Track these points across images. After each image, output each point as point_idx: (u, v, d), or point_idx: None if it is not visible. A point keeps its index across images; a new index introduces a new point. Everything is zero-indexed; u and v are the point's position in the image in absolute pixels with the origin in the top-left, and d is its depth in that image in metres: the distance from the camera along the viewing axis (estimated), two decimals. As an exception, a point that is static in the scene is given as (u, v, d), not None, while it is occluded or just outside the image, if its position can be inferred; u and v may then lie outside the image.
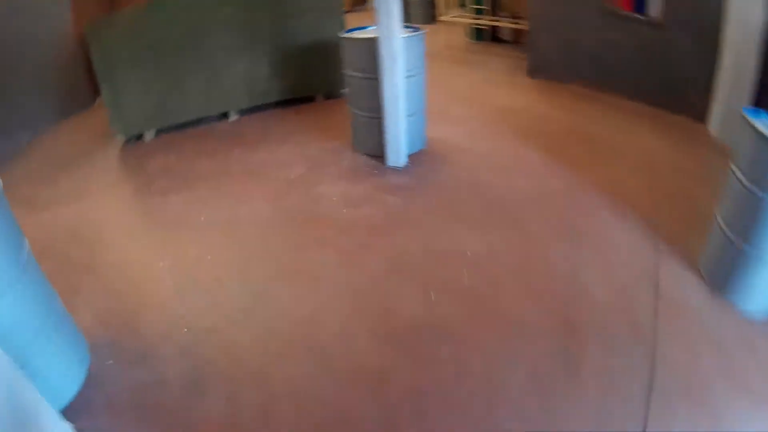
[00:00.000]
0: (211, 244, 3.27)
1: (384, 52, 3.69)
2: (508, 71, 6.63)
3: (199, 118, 5.27)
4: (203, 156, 4.56)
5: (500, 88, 6.00)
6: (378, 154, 4.15)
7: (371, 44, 3.78)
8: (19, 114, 5.27)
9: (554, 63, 5.85)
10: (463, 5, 8.49)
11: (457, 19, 8.48)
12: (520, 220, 3.26)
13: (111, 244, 3.38)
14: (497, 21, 7.79)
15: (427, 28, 4.27)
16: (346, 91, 4.30)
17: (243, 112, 5.48)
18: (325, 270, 2.93)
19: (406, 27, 3.96)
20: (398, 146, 4.00)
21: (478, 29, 8.23)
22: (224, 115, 5.41)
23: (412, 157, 4.14)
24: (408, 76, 3.86)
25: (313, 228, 3.35)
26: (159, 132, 5.13)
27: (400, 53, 3.70)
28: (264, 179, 4.04)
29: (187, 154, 4.64)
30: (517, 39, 7.93)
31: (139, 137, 5.06)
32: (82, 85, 5.84)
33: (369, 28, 4.24)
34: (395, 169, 4.03)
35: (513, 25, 7.58)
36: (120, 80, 4.73)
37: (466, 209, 3.42)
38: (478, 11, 8.02)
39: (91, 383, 2.26)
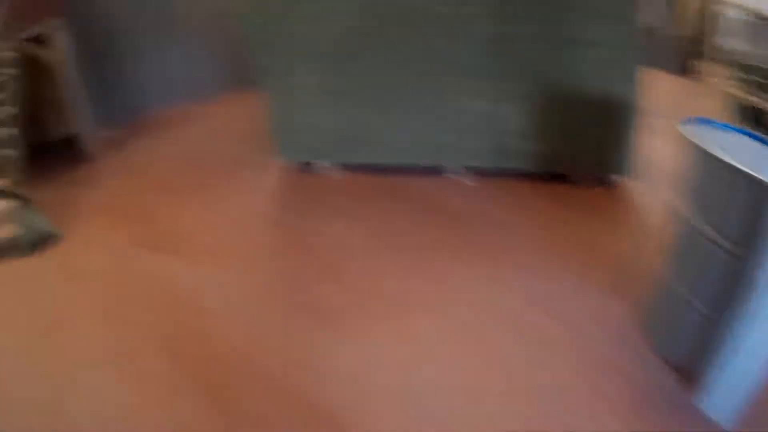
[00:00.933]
0: None
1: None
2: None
3: (400, 163, 3.65)
4: (398, 247, 2.97)
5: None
6: (688, 367, 2.30)
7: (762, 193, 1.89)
8: (184, 71, 4.32)
9: None
10: (731, 64, 5.56)
11: (731, 90, 5.68)
12: None
13: (211, 391, 2.06)
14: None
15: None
16: (664, 239, 2.44)
17: (465, 172, 3.76)
18: None
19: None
20: (739, 386, 2.13)
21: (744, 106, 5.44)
22: (436, 169, 3.73)
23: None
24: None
25: None
26: (338, 165, 3.63)
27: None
28: (498, 363, 2.34)
29: (374, 225, 3.11)
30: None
31: (309, 163, 3.61)
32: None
33: (737, 134, 2.31)
34: (714, 426, 2.16)
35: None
36: (288, 80, 3.35)
37: None
38: (758, 84, 5.17)
39: None
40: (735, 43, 5.26)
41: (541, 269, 2.87)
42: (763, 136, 2.25)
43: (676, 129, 2.21)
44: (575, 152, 3.60)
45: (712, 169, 2.08)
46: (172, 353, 2.25)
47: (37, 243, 3.08)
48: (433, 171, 3.67)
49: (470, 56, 3.36)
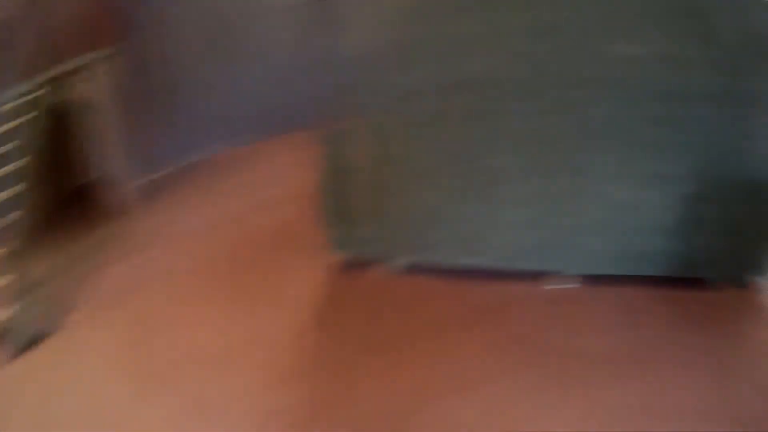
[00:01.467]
0: None
1: None
2: None
3: (493, 266, 2.60)
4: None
5: None
6: None
7: None
8: (237, 108, 3.69)
9: None
10: None
11: None
12: None
13: None
14: None
15: None
16: None
17: (573, 279, 2.63)
18: None
19: None
20: None
21: None
22: (537, 273, 2.63)
23: None
24: None
25: None
26: (410, 266, 2.63)
27: None
28: None
29: (453, 370, 2.08)
30: None
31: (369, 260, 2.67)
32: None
33: None
34: None
35: None
36: (358, 140, 2.48)
37: None
38: None
39: None
40: None
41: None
42: None
43: None
44: (724, 251, 2.53)
45: None
46: None
47: (31, 340, 2.44)
48: (532, 276, 2.58)
49: (624, 120, 2.36)
